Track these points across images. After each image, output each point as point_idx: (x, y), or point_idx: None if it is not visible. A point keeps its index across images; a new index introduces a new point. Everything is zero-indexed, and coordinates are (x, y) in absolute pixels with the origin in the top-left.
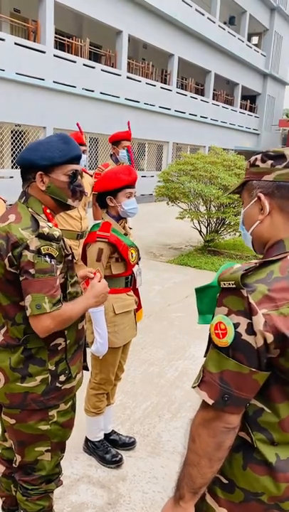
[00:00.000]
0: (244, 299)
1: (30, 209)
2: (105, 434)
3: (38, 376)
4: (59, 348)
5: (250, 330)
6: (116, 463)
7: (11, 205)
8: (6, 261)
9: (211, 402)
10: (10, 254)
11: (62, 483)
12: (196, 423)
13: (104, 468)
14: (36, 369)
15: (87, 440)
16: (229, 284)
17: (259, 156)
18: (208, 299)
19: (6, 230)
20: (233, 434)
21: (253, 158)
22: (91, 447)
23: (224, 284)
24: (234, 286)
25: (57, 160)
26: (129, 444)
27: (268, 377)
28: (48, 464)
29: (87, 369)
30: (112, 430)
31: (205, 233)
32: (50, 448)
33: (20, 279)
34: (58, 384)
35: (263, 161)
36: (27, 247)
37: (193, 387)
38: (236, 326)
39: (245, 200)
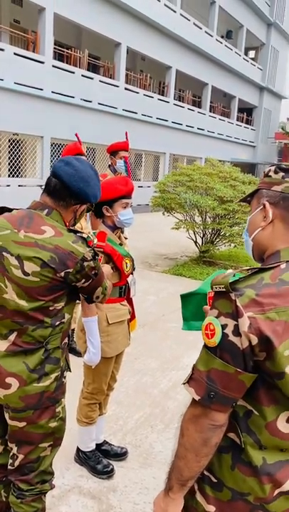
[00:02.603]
0: (232, 302)
1: (56, 222)
2: (97, 445)
3: (53, 374)
4: (65, 346)
5: (236, 331)
6: (107, 473)
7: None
8: (62, 273)
9: (197, 398)
10: (70, 270)
11: (54, 486)
12: (186, 418)
13: (96, 478)
14: (51, 367)
15: (78, 450)
16: (220, 287)
17: (273, 168)
18: (192, 306)
19: (55, 244)
20: (220, 432)
21: (267, 169)
22: (82, 457)
23: (216, 288)
24: (224, 289)
25: (97, 199)
26: (121, 455)
27: (255, 379)
28: (48, 458)
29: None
30: (104, 440)
31: (200, 244)
32: (52, 443)
33: (86, 284)
34: (63, 379)
35: (276, 172)
36: (85, 259)
37: (183, 384)
38: (224, 327)
39: (253, 207)
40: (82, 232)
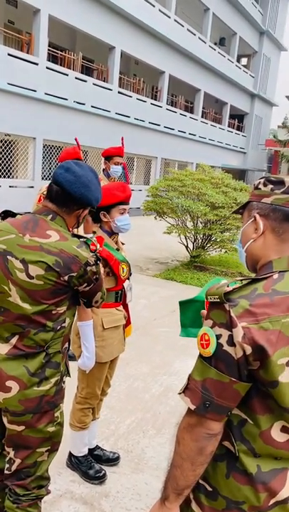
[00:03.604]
0: (226, 312)
1: (60, 227)
2: (89, 449)
3: (53, 378)
4: (66, 350)
5: (231, 341)
6: (99, 479)
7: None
8: (66, 277)
9: (193, 407)
10: (74, 274)
11: (50, 491)
12: (181, 427)
13: (88, 484)
14: (52, 372)
15: (70, 455)
16: (214, 298)
17: (262, 180)
18: (191, 313)
19: (60, 248)
20: (215, 440)
21: (257, 182)
22: (74, 462)
23: (210, 298)
24: (218, 300)
25: (99, 202)
26: (113, 460)
27: (250, 389)
28: (45, 463)
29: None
30: (97, 445)
31: (191, 249)
32: (49, 448)
33: (87, 288)
34: (62, 384)
35: (265, 184)
36: (88, 264)
37: (179, 394)
38: (218, 337)
39: (245, 219)
40: (86, 237)
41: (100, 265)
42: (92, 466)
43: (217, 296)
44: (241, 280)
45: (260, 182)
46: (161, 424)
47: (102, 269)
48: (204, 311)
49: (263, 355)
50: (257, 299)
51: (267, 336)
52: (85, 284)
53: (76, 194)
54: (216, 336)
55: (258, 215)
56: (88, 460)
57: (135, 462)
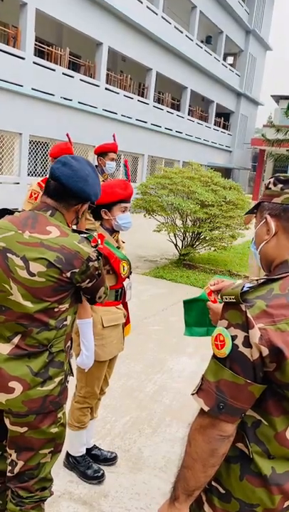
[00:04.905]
0: (242, 313)
1: (60, 222)
2: (87, 449)
3: (57, 378)
4: (68, 349)
5: (247, 343)
6: (98, 479)
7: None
8: (69, 274)
9: (206, 408)
10: (76, 270)
11: (53, 493)
12: (193, 428)
13: (86, 484)
14: (55, 371)
15: (68, 455)
16: (230, 298)
17: (272, 180)
18: (195, 312)
19: (61, 244)
20: (228, 442)
21: (267, 181)
22: (72, 462)
23: (226, 299)
24: (234, 300)
25: (98, 197)
26: (110, 459)
27: (265, 390)
28: (48, 465)
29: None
30: (94, 445)
31: (180, 247)
32: (53, 449)
33: (90, 284)
34: (66, 383)
35: (275, 184)
36: (90, 259)
37: (192, 394)
38: (234, 338)
39: (257, 220)
40: (86, 233)
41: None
42: (91, 465)
43: (233, 297)
44: (257, 280)
45: (270, 182)
46: (157, 423)
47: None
48: (210, 304)
49: (279, 357)
50: (274, 300)
51: (284, 337)
52: (88, 280)
53: (74, 188)
54: (232, 336)
55: (269, 215)
56: (86, 460)
57: (133, 461)
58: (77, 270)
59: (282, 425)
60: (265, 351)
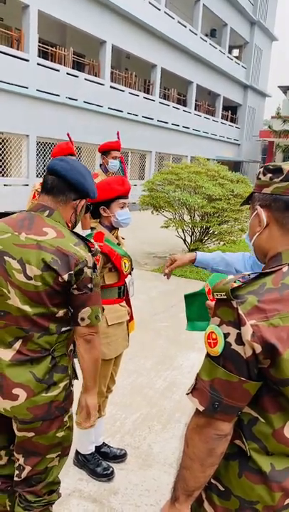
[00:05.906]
0: (234, 309)
1: (58, 222)
2: (96, 447)
3: (62, 383)
4: (71, 353)
5: (239, 340)
6: (107, 476)
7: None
8: (66, 276)
9: (201, 408)
10: (72, 271)
11: (61, 495)
12: (190, 428)
13: (96, 481)
14: (60, 376)
15: (77, 453)
16: (221, 295)
17: (262, 170)
18: (196, 306)
19: (56, 246)
20: (226, 441)
21: (258, 171)
22: (81, 460)
23: (217, 295)
24: (225, 297)
25: (95, 196)
26: (120, 457)
27: (261, 387)
28: (56, 469)
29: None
30: (103, 443)
31: (189, 242)
32: (60, 453)
33: (76, 292)
34: (71, 388)
35: (264, 174)
36: (86, 264)
37: (187, 394)
38: (226, 335)
39: (251, 211)
40: (88, 240)
41: (98, 276)
42: (100, 463)
43: (224, 293)
44: (249, 274)
45: (260, 172)
46: (167, 419)
47: (101, 271)
48: (209, 302)
49: (273, 353)
50: (266, 295)
51: (277, 333)
52: (76, 287)
53: (72, 180)
54: (224, 334)
55: (260, 206)
56: (95, 458)
57: (142, 458)
58: (72, 272)
59: (280, 422)
60: (258, 348)
